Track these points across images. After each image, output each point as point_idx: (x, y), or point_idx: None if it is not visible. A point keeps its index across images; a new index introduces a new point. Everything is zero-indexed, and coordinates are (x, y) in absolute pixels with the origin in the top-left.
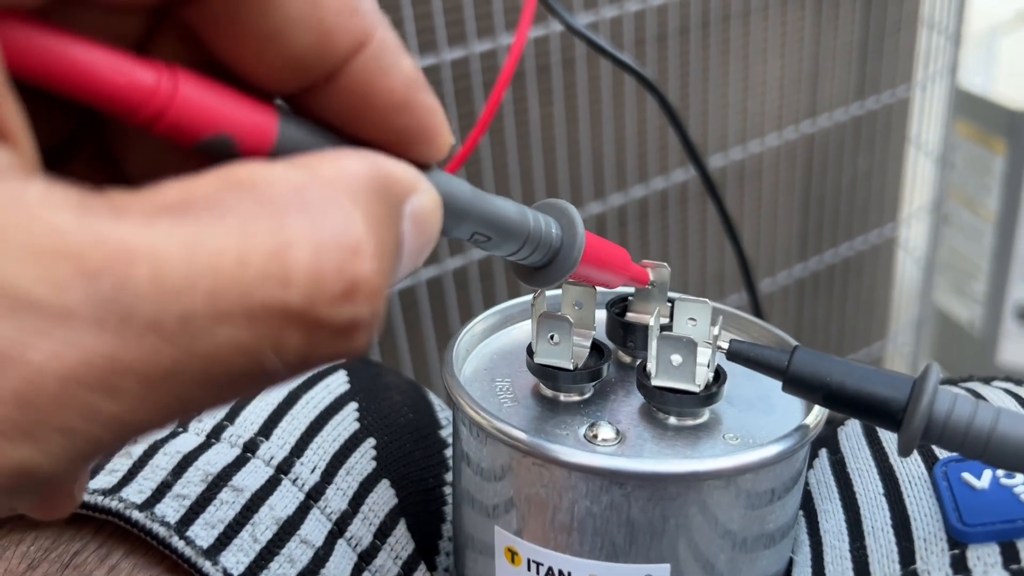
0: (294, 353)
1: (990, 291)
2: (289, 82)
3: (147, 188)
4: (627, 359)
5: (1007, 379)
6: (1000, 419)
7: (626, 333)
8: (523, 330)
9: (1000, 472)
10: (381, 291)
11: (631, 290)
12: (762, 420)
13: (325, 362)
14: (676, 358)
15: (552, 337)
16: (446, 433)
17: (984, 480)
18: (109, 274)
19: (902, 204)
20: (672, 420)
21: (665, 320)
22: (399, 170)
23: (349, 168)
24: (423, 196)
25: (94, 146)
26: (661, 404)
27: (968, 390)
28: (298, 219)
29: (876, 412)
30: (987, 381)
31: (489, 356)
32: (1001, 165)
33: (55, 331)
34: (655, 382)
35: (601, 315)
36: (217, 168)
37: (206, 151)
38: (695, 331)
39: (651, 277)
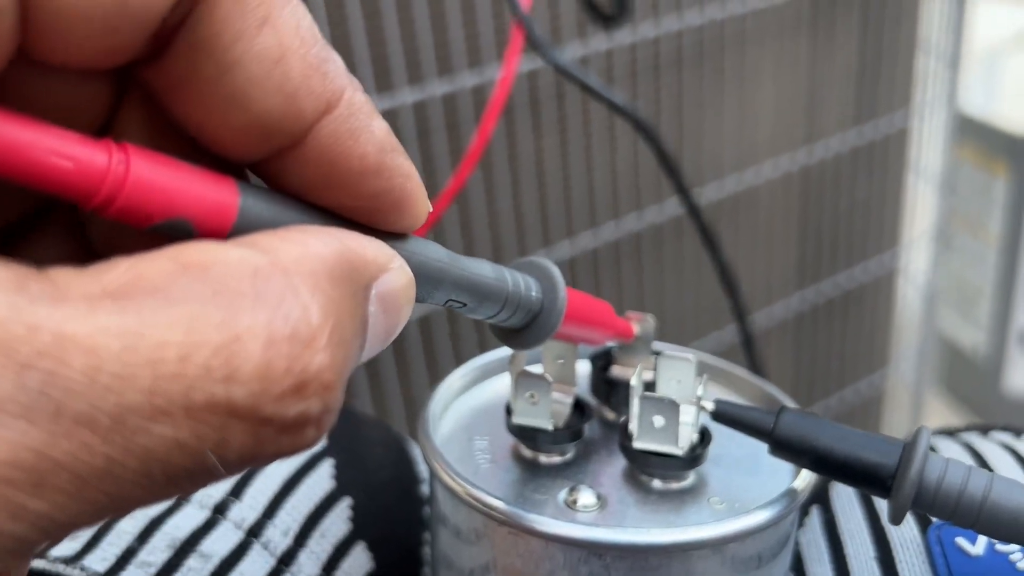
0: (238, 451)
1: (994, 316)
2: (254, 148)
3: (93, 267)
4: (611, 415)
5: (1006, 428)
6: (993, 487)
7: (610, 389)
8: (503, 383)
9: None
10: (335, 384)
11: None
12: (749, 482)
13: (273, 459)
14: (659, 420)
15: (531, 396)
16: (426, 489)
17: (979, 546)
18: (40, 365)
19: (902, 231)
20: (656, 483)
21: (650, 374)
22: (368, 250)
23: (312, 251)
24: (393, 275)
25: (67, 216)
26: (644, 467)
27: (964, 444)
28: (249, 309)
29: (865, 478)
30: (985, 432)
31: (468, 413)
32: (1003, 188)
33: None
34: (637, 444)
35: (584, 367)
36: (171, 247)
37: (161, 233)
38: (679, 389)
39: (635, 331)
